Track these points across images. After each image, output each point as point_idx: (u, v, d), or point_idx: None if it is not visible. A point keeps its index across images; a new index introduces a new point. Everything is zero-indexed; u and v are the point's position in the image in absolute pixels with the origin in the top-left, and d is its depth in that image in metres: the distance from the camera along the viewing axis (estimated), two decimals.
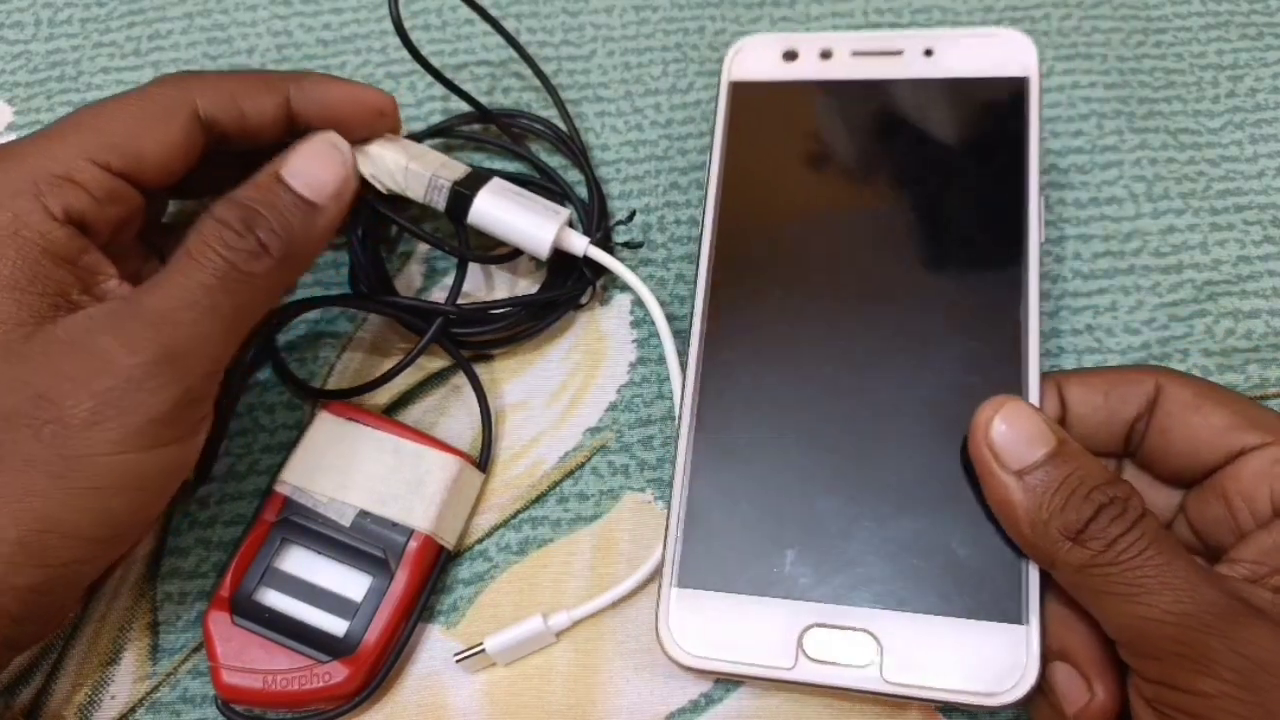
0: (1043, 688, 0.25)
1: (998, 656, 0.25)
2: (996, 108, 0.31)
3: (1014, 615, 0.25)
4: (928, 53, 0.32)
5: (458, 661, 0.29)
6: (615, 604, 0.30)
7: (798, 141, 0.32)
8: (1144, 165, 0.36)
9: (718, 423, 0.29)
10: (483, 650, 0.29)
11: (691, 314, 0.30)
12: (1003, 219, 0.30)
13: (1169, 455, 0.27)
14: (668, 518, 0.28)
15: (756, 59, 0.33)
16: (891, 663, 0.25)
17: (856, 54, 0.32)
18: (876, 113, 0.32)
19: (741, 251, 0.31)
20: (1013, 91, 0.31)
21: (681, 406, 0.29)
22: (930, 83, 0.32)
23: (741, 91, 0.33)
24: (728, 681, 0.30)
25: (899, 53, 0.32)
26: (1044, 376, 0.28)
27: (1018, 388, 0.27)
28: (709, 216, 0.31)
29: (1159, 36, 0.39)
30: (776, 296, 0.30)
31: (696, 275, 0.31)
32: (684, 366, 0.30)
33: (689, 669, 0.26)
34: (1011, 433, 0.25)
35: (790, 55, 0.33)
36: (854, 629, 0.26)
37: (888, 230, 0.30)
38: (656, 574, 0.29)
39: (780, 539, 0.27)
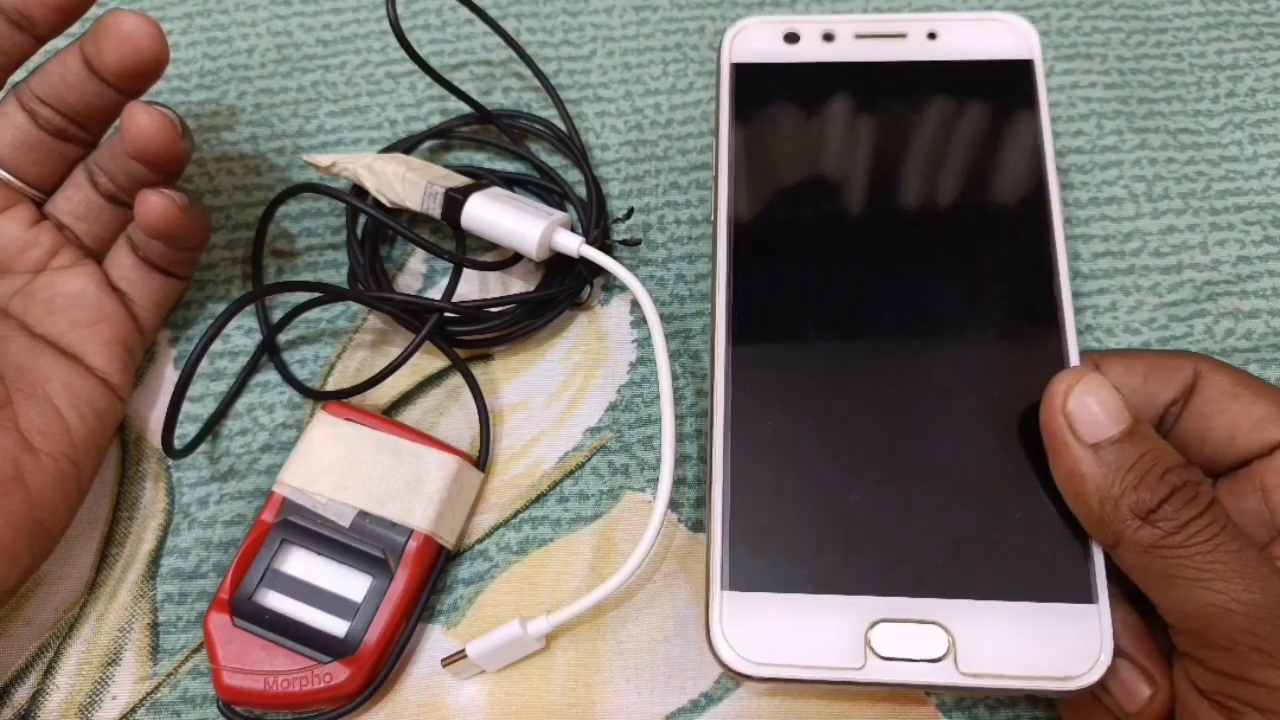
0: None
1: (1072, 639, 0.24)
2: (1006, 89, 0.31)
3: (1085, 595, 0.25)
4: (931, 35, 0.32)
5: (444, 666, 0.29)
6: (598, 606, 0.29)
7: (810, 126, 0.31)
8: (1144, 165, 0.36)
9: (754, 412, 0.28)
10: (465, 655, 0.29)
11: (714, 305, 0.29)
12: (1026, 198, 0.30)
13: (1205, 441, 0.27)
14: (708, 516, 0.26)
15: (757, 41, 0.32)
16: (966, 654, 0.24)
17: (860, 36, 0.32)
18: (889, 95, 0.31)
19: (763, 241, 0.30)
20: (1020, 73, 0.31)
21: (713, 397, 0.28)
22: (939, 65, 0.32)
23: (744, 74, 0.32)
24: (788, 687, 0.28)
25: (902, 35, 0.32)
26: (1083, 355, 0.28)
27: (1060, 365, 0.27)
28: (723, 208, 0.30)
29: (1159, 36, 0.39)
30: (804, 282, 0.29)
31: (715, 266, 0.30)
32: (713, 355, 0.29)
33: (749, 677, 0.25)
34: (1089, 405, 0.25)
35: (792, 38, 0.32)
36: (924, 621, 0.25)
37: (912, 213, 0.30)
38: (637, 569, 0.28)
39: (834, 531, 0.26)
